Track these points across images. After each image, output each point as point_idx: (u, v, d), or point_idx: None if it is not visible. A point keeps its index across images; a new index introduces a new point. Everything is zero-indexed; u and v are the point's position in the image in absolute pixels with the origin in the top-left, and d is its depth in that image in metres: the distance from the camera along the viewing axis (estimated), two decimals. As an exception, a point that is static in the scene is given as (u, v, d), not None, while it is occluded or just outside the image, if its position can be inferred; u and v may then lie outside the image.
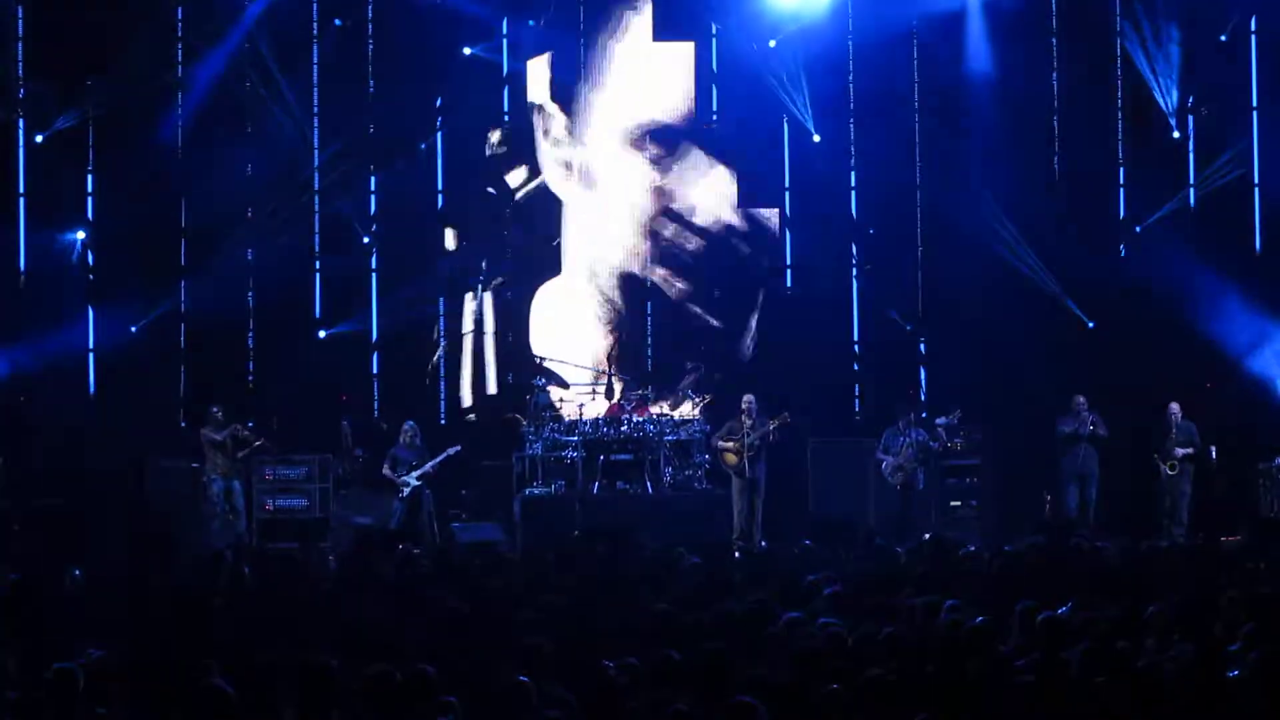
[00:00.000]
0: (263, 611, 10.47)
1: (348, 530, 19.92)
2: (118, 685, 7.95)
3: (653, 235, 23.28)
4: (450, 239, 23.43)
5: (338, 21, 22.93)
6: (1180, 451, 20.29)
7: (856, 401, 23.49)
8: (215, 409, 20.48)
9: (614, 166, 23.30)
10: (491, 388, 23.01)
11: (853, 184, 23.57)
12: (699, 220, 23.30)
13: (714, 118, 23.42)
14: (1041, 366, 22.15)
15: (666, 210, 23.27)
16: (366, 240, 23.16)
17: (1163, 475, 20.38)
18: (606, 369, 21.50)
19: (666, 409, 21.20)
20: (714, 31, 23.49)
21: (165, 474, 20.61)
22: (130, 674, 8.09)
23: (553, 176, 23.29)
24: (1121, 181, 23.19)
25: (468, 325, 23.11)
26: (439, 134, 23.39)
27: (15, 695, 7.86)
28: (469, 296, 23.22)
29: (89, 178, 22.90)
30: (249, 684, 7.65)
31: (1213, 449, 20.85)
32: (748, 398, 20.19)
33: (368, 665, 7.63)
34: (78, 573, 12.57)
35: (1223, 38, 22.51)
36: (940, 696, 7.50)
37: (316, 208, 23.40)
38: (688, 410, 21.17)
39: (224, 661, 8.04)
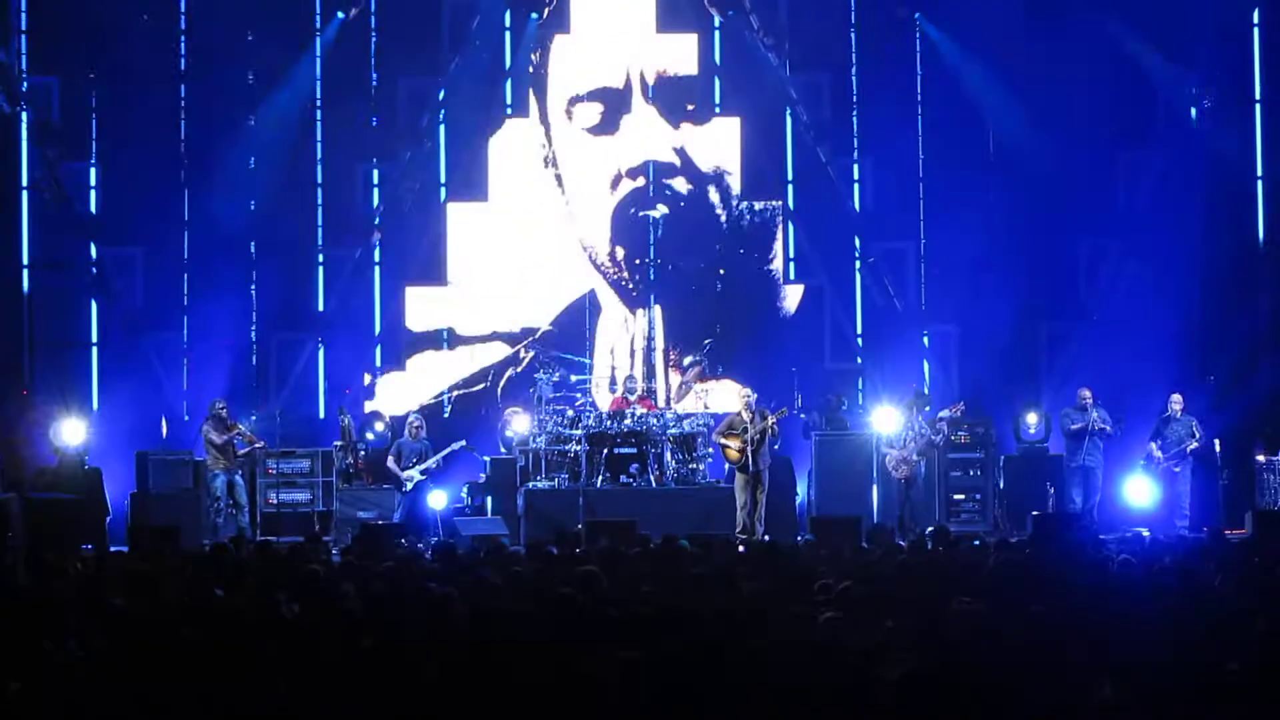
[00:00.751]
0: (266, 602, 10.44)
1: (351, 524, 19.94)
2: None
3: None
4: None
5: (341, 15, 22.92)
6: (1193, 445, 20.29)
7: (859, 394, 23.50)
8: (220, 404, 20.45)
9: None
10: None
11: (855, 176, 23.58)
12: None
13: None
14: (1046, 358, 22.16)
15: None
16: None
17: (1158, 466, 20.38)
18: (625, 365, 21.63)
19: (671, 401, 21.25)
20: (717, 23, 23.51)
21: (167, 467, 20.62)
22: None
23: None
24: (1122, 171, 23.21)
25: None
26: (441, 125, 23.41)
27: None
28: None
29: (92, 171, 22.91)
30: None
31: (1216, 442, 20.86)
32: (746, 391, 20.22)
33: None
34: (78, 565, 12.57)
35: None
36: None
37: (320, 200, 23.44)
38: (690, 404, 21.18)
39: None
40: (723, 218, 23.56)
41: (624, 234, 23.45)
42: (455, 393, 23.31)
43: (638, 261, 23.40)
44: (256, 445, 20.55)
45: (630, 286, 23.37)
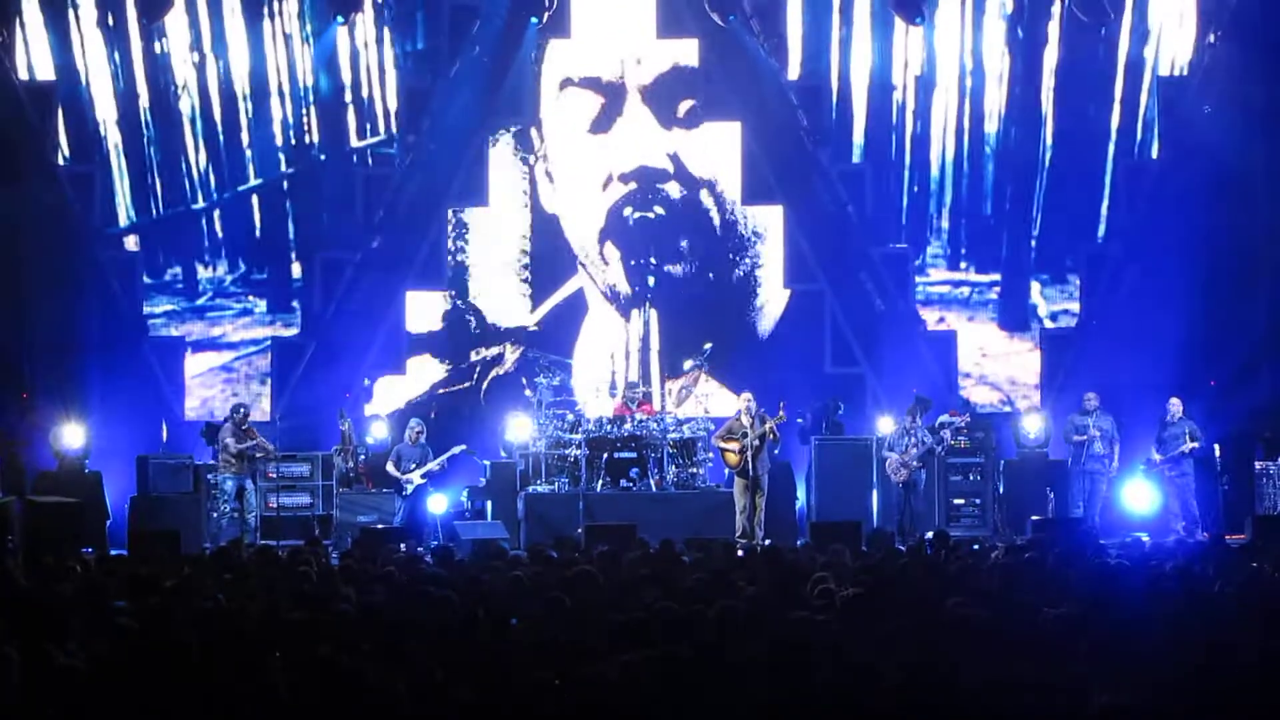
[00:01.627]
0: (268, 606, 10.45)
1: (351, 528, 19.95)
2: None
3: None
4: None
5: (340, 19, 22.91)
6: (1189, 447, 20.29)
7: (864, 399, 23.47)
8: (241, 410, 20.31)
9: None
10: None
11: (856, 181, 23.56)
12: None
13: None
14: (1046, 363, 22.18)
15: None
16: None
17: (1157, 471, 20.39)
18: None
19: (671, 406, 21.23)
20: (718, 28, 23.47)
21: (167, 471, 20.62)
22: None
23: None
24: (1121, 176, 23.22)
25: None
26: (440, 128, 23.39)
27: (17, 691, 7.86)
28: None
29: (94, 175, 22.93)
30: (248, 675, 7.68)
31: (1216, 447, 20.86)
32: (746, 396, 20.22)
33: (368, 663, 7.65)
34: (78, 568, 12.58)
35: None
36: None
37: (319, 204, 23.46)
38: (691, 408, 21.17)
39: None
40: (720, 222, 23.55)
41: (620, 238, 23.42)
42: (440, 391, 23.29)
43: (633, 263, 23.38)
44: (271, 453, 20.54)
45: (623, 291, 23.35)
